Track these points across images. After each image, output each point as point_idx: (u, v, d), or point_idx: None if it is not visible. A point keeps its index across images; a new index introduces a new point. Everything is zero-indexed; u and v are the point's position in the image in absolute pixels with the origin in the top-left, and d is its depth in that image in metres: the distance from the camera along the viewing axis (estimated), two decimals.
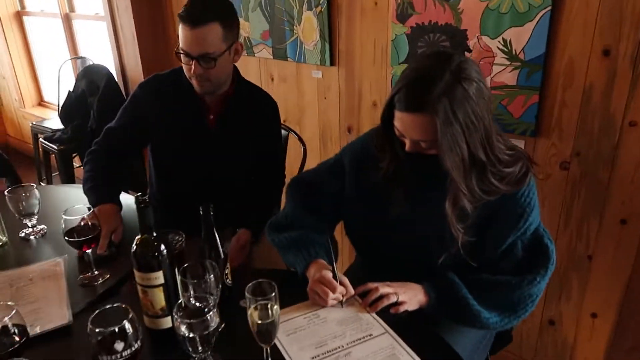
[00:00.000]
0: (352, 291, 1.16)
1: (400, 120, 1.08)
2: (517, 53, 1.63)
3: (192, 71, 1.45)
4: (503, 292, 1.18)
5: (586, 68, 1.53)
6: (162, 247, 0.99)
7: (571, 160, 1.64)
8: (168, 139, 1.61)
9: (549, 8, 1.53)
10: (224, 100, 1.60)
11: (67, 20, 3.61)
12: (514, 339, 1.51)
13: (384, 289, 1.13)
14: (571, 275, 1.76)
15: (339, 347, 1.02)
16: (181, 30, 1.41)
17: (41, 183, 3.38)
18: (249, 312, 0.89)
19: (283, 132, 1.98)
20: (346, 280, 1.16)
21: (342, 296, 1.13)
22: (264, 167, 1.72)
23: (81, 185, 1.59)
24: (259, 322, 0.88)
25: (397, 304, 1.12)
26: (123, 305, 0.90)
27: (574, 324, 1.82)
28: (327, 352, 1.01)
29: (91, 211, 1.27)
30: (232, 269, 1.17)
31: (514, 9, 1.60)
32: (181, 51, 1.44)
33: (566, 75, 1.57)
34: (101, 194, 1.49)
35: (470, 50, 1.73)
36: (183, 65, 1.49)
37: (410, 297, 1.15)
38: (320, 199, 1.37)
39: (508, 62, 1.66)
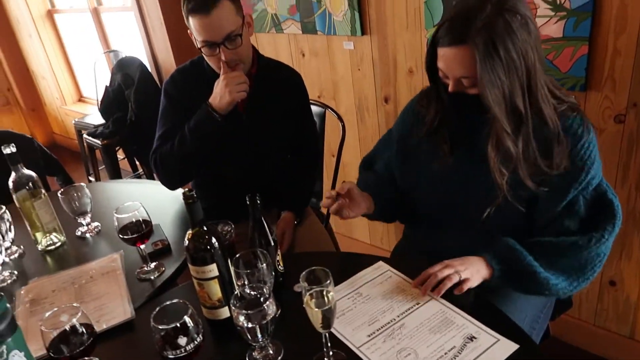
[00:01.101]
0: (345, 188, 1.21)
1: (443, 57, 1.06)
2: (562, 2, 1.52)
3: (223, 58, 1.42)
4: (570, 254, 1.12)
5: None
6: (214, 239, 1.00)
7: (627, 113, 1.54)
8: None
9: None
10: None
11: (96, 14, 3.65)
12: (572, 303, 1.46)
13: (442, 272, 1.07)
14: (631, 232, 1.68)
15: (391, 321, 1.03)
16: (196, 22, 1.38)
17: (89, 178, 3.50)
18: (304, 300, 0.89)
19: (319, 109, 1.95)
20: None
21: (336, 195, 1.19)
22: (298, 142, 1.72)
23: (127, 180, 1.62)
24: (316, 309, 0.87)
25: (460, 283, 1.06)
26: (182, 301, 0.91)
27: (636, 283, 1.74)
28: (381, 327, 1.02)
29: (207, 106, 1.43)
30: (281, 254, 1.17)
31: None
32: (203, 43, 1.41)
33: (618, 21, 1.46)
34: (198, 112, 1.47)
35: None
36: (209, 58, 1.47)
37: (472, 272, 1.09)
38: (379, 169, 1.43)
39: (552, 13, 1.56)
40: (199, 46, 1.43)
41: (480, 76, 1.00)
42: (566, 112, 1.11)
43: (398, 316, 1.04)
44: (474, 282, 1.08)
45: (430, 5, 1.84)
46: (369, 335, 1.00)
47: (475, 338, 0.96)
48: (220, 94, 1.42)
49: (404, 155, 1.34)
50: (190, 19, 1.39)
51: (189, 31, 1.48)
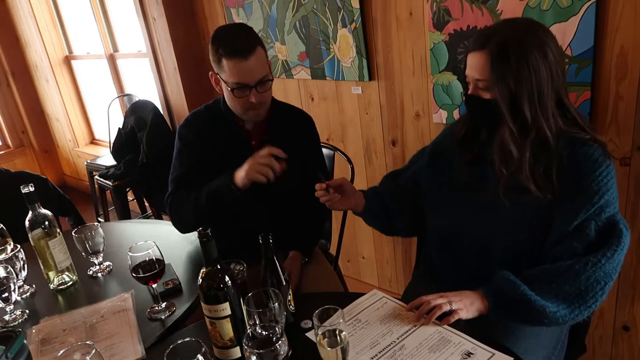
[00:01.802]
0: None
1: (468, 62, 1.20)
2: (564, 49, 1.58)
3: (253, 100, 1.47)
4: (567, 279, 1.12)
5: None
6: (227, 278, 1.01)
7: (632, 155, 1.57)
8: (218, 171, 1.60)
9: (594, 0, 1.48)
10: (262, 124, 1.63)
11: (112, 60, 3.78)
12: (586, 348, 1.44)
13: (435, 300, 1.13)
14: None
15: (392, 343, 1.07)
16: (232, 65, 1.44)
17: (98, 218, 3.53)
18: (317, 339, 0.89)
19: (329, 151, 1.99)
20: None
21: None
22: (309, 184, 1.73)
23: (138, 220, 1.65)
24: (329, 348, 0.87)
25: (450, 312, 1.10)
26: (195, 339, 0.92)
27: None
28: (383, 349, 1.05)
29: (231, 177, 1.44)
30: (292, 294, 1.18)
31: (555, 5, 1.55)
32: (236, 85, 1.46)
33: (619, 67, 1.51)
34: (219, 180, 1.49)
35: None
36: (237, 100, 1.50)
37: (465, 304, 1.13)
38: (400, 181, 1.53)
39: None
40: (230, 88, 1.47)
41: (490, 77, 1.13)
42: (589, 141, 1.16)
43: (398, 338, 1.08)
44: (465, 315, 1.11)
45: (436, 53, 1.91)
46: (372, 358, 1.03)
47: (472, 354, 1.02)
48: (244, 169, 1.43)
49: (433, 162, 1.42)
50: (225, 62, 1.44)
51: (211, 73, 1.54)
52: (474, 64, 1.17)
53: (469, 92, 1.22)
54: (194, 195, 1.51)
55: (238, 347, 1.04)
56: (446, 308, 1.11)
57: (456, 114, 1.94)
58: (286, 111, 1.71)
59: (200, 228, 1.00)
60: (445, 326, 1.09)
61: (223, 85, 1.51)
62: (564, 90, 1.17)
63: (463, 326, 1.10)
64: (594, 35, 1.51)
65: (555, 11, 1.56)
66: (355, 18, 2.09)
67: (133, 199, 3.51)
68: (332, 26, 2.19)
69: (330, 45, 2.24)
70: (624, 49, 1.49)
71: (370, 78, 2.17)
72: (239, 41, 1.44)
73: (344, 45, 2.19)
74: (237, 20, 2.61)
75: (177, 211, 1.57)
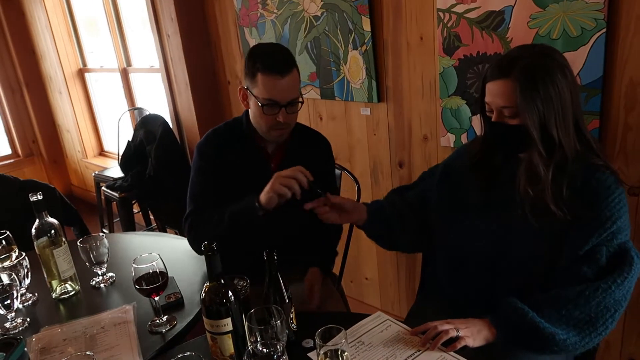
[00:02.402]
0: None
1: (489, 90, 1.20)
2: None
3: (281, 120, 1.47)
4: (577, 305, 1.12)
5: None
6: (230, 293, 1.01)
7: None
8: (235, 191, 1.54)
9: (604, 30, 1.49)
10: (282, 147, 1.62)
11: (125, 74, 3.84)
12: None
13: (442, 326, 1.12)
14: None
15: None
16: (267, 81, 1.43)
17: (103, 229, 3.53)
18: (318, 359, 0.88)
19: (336, 170, 1.99)
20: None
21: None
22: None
23: (143, 232, 1.64)
24: None
25: (457, 338, 1.09)
26: (195, 354, 0.91)
27: None
28: None
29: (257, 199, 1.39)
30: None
31: (566, 34, 1.57)
32: (267, 102, 1.45)
33: (628, 98, 1.52)
34: (244, 201, 1.43)
35: None
36: (264, 117, 1.48)
37: (472, 332, 1.12)
38: (409, 195, 1.52)
39: None
40: (260, 103, 1.46)
41: (520, 104, 1.13)
42: (602, 167, 1.17)
43: None
44: (472, 342, 1.10)
45: (445, 77, 1.93)
46: None
47: None
48: (269, 183, 1.39)
49: (444, 181, 1.42)
50: (260, 77, 1.43)
51: (240, 87, 1.53)
52: (498, 91, 1.17)
53: (493, 119, 1.21)
54: (216, 217, 1.47)
55: None
56: (453, 334, 1.10)
57: (464, 138, 1.95)
58: (306, 134, 1.70)
59: (206, 242, 1.00)
60: (451, 353, 1.08)
61: (252, 100, 1.50)
62: (580, 113, 1.19)
63: (468, 352, 1.08)
64: (604, 66, 1.52)
65: (565, 40, 1.57)
66: (366, 41, 2.12)
67: (138, 212, 3.52)
68: (343, 48, 2.22)
69: (341, 67, 2.27)
70: (634, 81, 1.50)
71: (379, 100, 2.19)
72: (278, 59, 1.44)
73: (354, 67, 2.21)
74: (250, 40, 2.65)
75: (197, 231, 1.53)
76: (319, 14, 2.26)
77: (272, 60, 1.44)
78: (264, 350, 0.96)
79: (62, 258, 1.46)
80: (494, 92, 1.18)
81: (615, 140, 1.57)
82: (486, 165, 1.31)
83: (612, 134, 1.58)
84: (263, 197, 1.39)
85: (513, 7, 1.67)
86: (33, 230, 1.44)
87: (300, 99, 1.50)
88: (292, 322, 1.15)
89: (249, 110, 1.56)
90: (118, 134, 3.59)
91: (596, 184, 1.15)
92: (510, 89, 1.14)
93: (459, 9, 1.81)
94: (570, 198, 1.15)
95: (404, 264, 2.39)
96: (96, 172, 3.57)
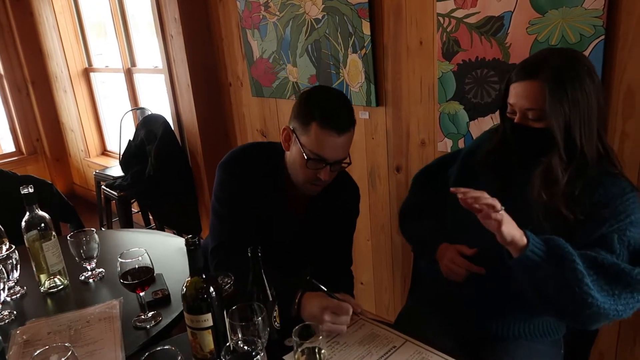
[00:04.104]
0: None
1: (514, 91, 1.17)
2: None
3: (322, 177, 1.33)
4: (611, 271, 1.06)
5: None
6: (211, 289, 1.00)
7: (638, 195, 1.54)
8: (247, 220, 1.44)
9: (602, 37, 1.48)
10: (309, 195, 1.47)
11: (129, 75, 3.86)
12: None
13: (494, 200, 1.05)
14: None
15: None
16: (322, 135, 1.27)
17: (102, 228, 3.54)
18: (295, 357, 0.87)
19: None
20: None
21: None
22: (334, 251, 1.60)
23: (137, 230, 1.63)
24: None
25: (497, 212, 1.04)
26: (172, 347, 0.90)
27: None
28: None
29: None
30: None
31: (564, 40, 1.56)
32: (314, 156, 1.30)
33: (626, 105, 1.50)
34: (284, 289, 1.23)
35: None
36: (305, 169, 1.33)
37: (510, 221, 1.05)
38: (439, 181, 1.49)
39: None
40: (306, 155, 1.30)
41: (548, 107, 1.10)
42: (619, 175, 1.17)
43: (378, 359, 1.09)
44: (505, 229, 1.04)
45: (444, 82, 1.92)
46: None
47: None
48: (313, 316, 1.18)
49: (462, 172, 1.40)
50: (316, 128, 1.27)
51: (285, 127, 1.37)
52: (524, 93, 1.15)
53: (516, 120, 1.18)
54: (245, 271, 1.16)
55: None
56: (498, 207, 1.04)
57: (461, 143, 1.94)
58: (338, 180, 1.47)
59: (189, 236, 0.99)
60: (424, 346, 1.11)
61: (296, 147, 1.33)
62: (604, 119, 1.18)
63: (445, 347, 1.10)
64: (602, 73, 1.51)
65: (564, 46, 1.56)
66: (365, 44, 2.12)
67: (138, 211, 3.52)
68: (343, 51, 2.22)
69: (340, 70, 2.27)
70: (632, 88, 1.48)
71: (378, 104, 2.18)
72: (340, 115, 1.29)
73: (354, 70, 2.21)
74: (252, 42, 2.66)
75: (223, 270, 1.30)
76: (320, 16, 2.27)
77: (334, 114, 1.28)
78: (245, 347, 0.94)
79: (52, 252, 1.46)
80: (520, 94, 1.16)
81: (612, 147, 1.55)
82: (502, 165, 1.28)
83: (609, 142, 1.55)
84: (304, 314, 1.20)
85: (512, 12, 1.66)
86: (23, 223, 1.44)
87: (348, 160, 1.37)
88: (276, 321, 1.13)
89: (288, 152, 1.40)
90: (120, 133, 3.60)
91: (611, 186, 1.14)
92: (537, 91, 1.12)
93: (459, 13, 1.80)
94: (582, 199, 1.13)
95: (400, 270, 2.37)
96: (97, 171, 3.58)
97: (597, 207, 1.12)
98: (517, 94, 1.16)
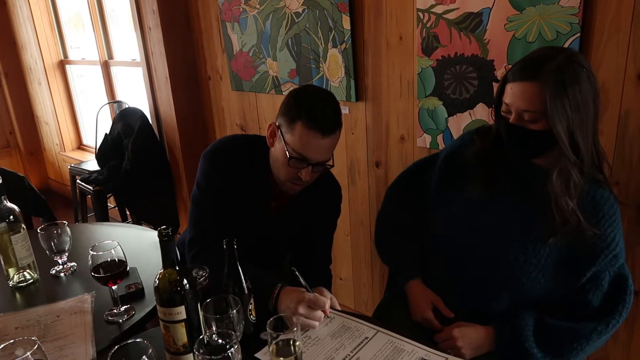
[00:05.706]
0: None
1: (511, 91, 1.14)
2: None
3: (302, 177, 1.32)
4: (591, 339, 1.18)
5: (621, 94, 1.47)
6: (185, 281, 0.98)
7: (611, 191, 1.57)
8: (225, 212, 1.42)
9: (578, 34, 1.50)
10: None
11: (106, 67, 3.79)
12: None
13: (458, 342, 1.20)
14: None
15: (346, 356, 1.09)
16: (306, 135, 1.26)
17: (77, 223, 3.47)
18: (270, 349, 0.86)
19: None
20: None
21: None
22: (313, 249, 1.59)
23: (112, 223, 1.60)
24: (281, 359, 0.84)
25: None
26: (144, 341, 0.88)
27: None
28: None
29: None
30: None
31: (541, 38, 1.57)
32: (298, 155, 1.29)
33: (600, 102, 1.52)
34: (263, 282, 1.25)
35: (498, 81, 1.71)
36: (286, 168, 1.32)
37: (472, 350, 1.21)
38: (415, 190, 1.49)
39: None
40: (288, 154, 1.30)
41: (550, 111, 1.08)
42: (604, 184, 1.18)
43: (352, 351, 1.10)
44: (466, 355, 1.19)
45: (423, 78, 1.92)
46: None
47: None
48: (288, 308, 1.19)
49: (445, 173, 1.39)
50: (300, 128, 1.26)
51: (271, 124, 1.36)
52: (521, 94, 1.12)
53: (511, 121, 1.15)
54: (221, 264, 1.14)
55: (191, 355, 1.00)
56: (457, 351, 1.19)
57: (440, 139, 1.94)
58: (321, 179, 1.45)
59: (163, 227, 0.97)
60: (396, 335, 1.14)
61: (280, 145, 1.33)
62: (597, 124, 1.16)
63: (420, 338, 1.13)
64: None
65: (541, 44, 1.58)
66: (345, 39, 2.11)
67: (115, 207, 3.46)
68: (323, 45, 2.21)
69: (320, 64, 2.25)
70: (606, 85, 1.50)
71: (358, 99, 2.18)
72: (327, 116, 1.28)
73: (334, 65, 2.20)
74: (232, 35, 2.63)
75: (202, 262, 1.28)
76: (300, 10, 2.25)
77: (320, 115, 1.26)
78: (219, 340, 0.93)
79: (21, 245, 1.42)
80: (517, 94, 1.13)
81: None
82: (491, 163, 1.27)
83: None
84: (280, 307, 1.21)
85: (491, 9, 1.67)
86: None
87: (331, 162, 1.36)
88: (251, 314, 1.12)
89: (272, 149, 1.39)
90: (96, 126, 3.53)
91: (600, 199, 1.15)
92: (535, 93, 1.09)
93: (439, 9, 1.81)
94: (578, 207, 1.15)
95: (378, 265, 2.38)
96: (72, 165, 3.51)
97: (588, 224, 1.13)
98: (514, 94, 1.14)
